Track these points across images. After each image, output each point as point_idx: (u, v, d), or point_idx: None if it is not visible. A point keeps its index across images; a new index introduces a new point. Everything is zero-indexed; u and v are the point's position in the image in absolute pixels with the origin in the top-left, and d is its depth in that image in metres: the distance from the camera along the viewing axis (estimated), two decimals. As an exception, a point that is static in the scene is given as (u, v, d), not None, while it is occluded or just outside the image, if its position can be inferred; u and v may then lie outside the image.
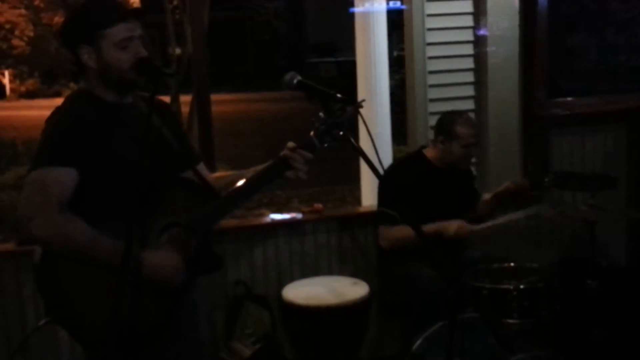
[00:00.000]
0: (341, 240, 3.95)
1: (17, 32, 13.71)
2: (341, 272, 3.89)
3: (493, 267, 3.27)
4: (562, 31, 4.33)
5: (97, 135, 2.08)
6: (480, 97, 4.18)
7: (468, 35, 4.15)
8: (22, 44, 14.13)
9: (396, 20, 4.27)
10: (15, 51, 14.52)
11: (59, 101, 2.21)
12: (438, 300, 2.89)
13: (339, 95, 2.10)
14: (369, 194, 4.05)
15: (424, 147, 3.62)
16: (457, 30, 4.12)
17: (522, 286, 3.03)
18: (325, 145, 2.14)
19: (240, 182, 2.20)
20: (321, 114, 2.12)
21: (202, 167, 2.40)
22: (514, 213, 3.36)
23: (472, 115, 3.85)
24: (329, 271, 3.91)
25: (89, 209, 2.03)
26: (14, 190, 6.99)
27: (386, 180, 3.05)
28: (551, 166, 4.29)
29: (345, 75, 13.56)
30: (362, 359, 3.74)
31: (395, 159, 4.08)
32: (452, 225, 3.27)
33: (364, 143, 2.24)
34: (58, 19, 10.16)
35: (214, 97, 3.95)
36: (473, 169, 3.97)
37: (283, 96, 12.58)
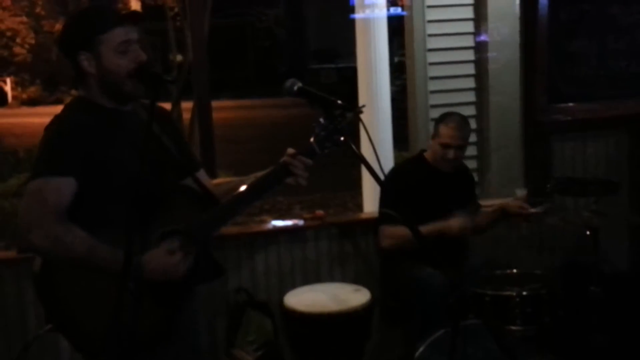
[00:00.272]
0: (343, 246, 3.94)
1: (18, 40, 13.78)
2: (343, 278, 3.89)
3: (495, 274, 3.27)
4: (563, 37, 4.32)
5: (96, 142, 2.07)
6: (481, 103, 4.18)
7: (469, 41, 4.16)
8: (24, 51, 14.20)
9: (397, 26, 4.27)
10: (16, 58, 14.59)
11: (60, 108, 2.21)
12: (440, 299, 2.90)
13: (339, 101, 2.10)
14: (370, 200, 4.04)
15: (425, 150, 3.62)
16: (458, 36, 4.12)
17: (524, 293, 3.03)
18: (326, 151, 2.13)
19: (241, 189, 2.18)
20: (321, 120, 2.12)
21: (202, 174, 2.39)
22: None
23: (472, 121, 3.83)
24: (331, 278, 3.90)
25: (87, 215, 2.03)
26: (16, 198, 6.99)
27: (387, 183, 3.05)
28: (553, 172, 4.27)
29: (346, 81, 13.54)
30: (365, 365, 3.73)
31: (396, 164, 4.07)
32: (455, 222, 3.26)
33: (365, 149, 2.24)
34: (59, 27, 10.19)
35: (214, 103, 3.97)
36: (475, 174, 3.96)
37: (284, 102, 12.61)
